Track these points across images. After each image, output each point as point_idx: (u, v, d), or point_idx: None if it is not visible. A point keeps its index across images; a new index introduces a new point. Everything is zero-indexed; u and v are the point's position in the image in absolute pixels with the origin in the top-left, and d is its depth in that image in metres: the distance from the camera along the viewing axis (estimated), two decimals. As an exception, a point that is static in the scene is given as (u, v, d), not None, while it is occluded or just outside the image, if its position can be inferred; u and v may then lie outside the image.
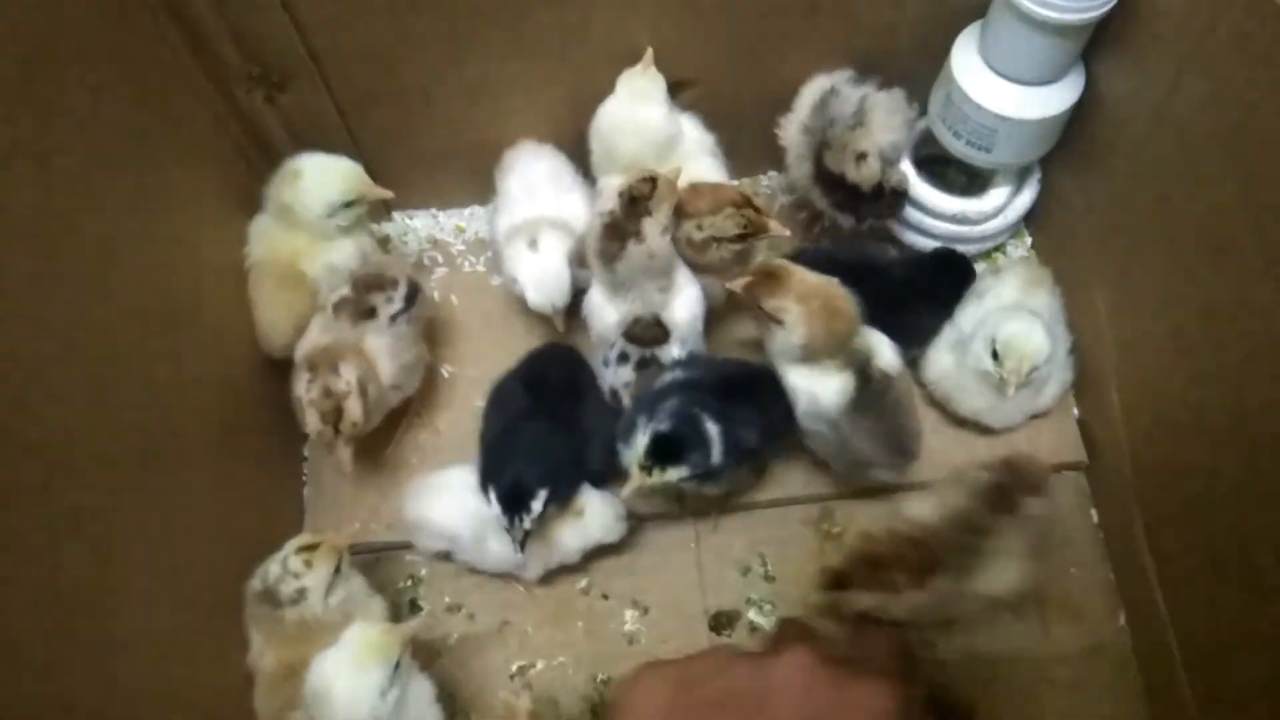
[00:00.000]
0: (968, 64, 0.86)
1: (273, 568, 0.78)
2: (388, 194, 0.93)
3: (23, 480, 0.57)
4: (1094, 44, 0.83)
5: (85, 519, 0.62)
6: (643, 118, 0.91)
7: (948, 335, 0.92)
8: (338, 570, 0.79)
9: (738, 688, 0.57)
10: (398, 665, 0.74)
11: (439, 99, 0.94)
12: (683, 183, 0.84)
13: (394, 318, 0.87)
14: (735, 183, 0.92)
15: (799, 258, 0.94)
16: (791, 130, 0.91)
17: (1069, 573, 0.93)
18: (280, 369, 0.92)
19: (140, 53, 0.76)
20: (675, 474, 0.79)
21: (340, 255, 0.92)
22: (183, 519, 0.75)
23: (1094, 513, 0.95)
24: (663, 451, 0.79)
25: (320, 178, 0.89)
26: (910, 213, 0.96)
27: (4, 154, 0.58)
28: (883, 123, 0.88)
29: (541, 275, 0.89)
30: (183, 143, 0.82)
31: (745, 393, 0.84)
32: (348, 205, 0.90)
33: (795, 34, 0.90)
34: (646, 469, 0.79)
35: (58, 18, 0.65)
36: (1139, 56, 0.80)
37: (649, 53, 0.91)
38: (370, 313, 0.86)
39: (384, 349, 0.87)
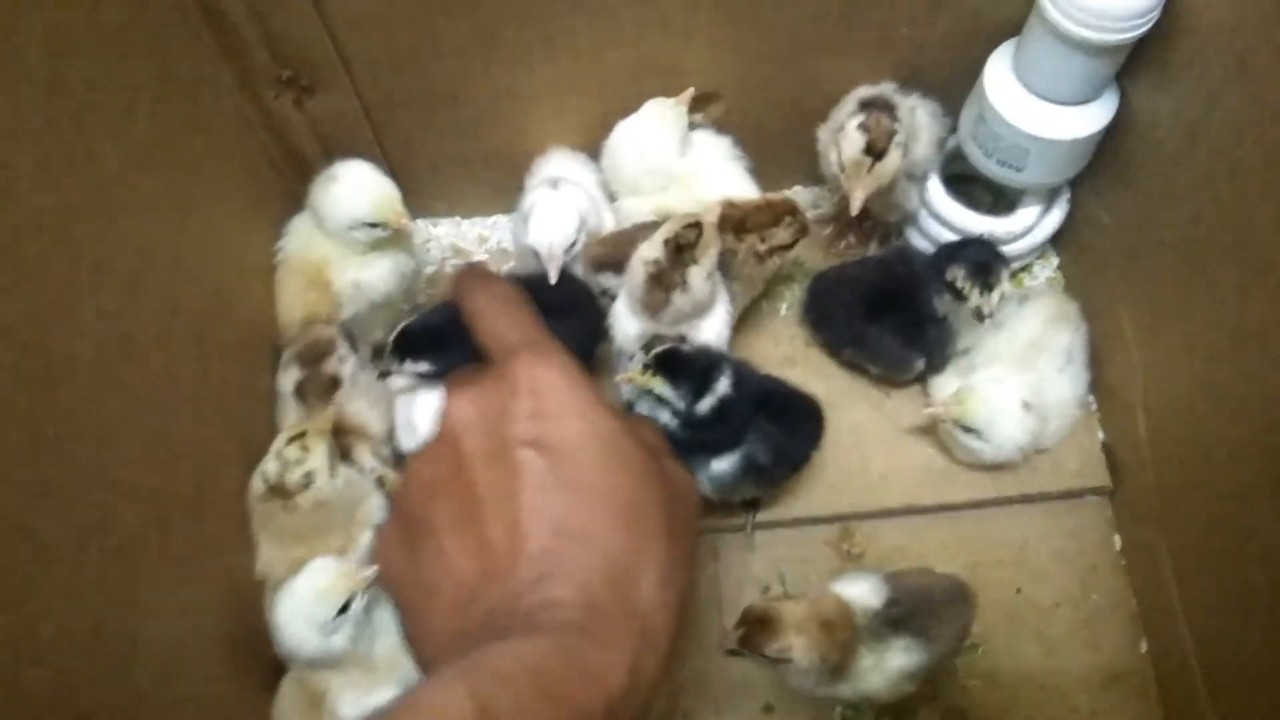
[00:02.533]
0: (1001, 82, 0.85)
1: (270, 465, 0.79)
2: (411, 228, 0.91)
3: (53, 481, 0.56)
4: (1129, 63, 0.82)
5: (113, 523, 0.61)
6: (654, 144, 0.92)
7: (959, 361, 0.92)
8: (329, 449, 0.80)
9: (436, 469, 0.56)
10: (346, 607, 0.75)
11: (466, 105, 0.93)
12: (716, 193, 0.85)
13: (354, 374, 0.87)
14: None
15: (824, 278, 0.95)
16: (829, 136, 0.90)
17: (1090, 599, 0.92)
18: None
19: (173, 54, 0.75)
20: (662, 388, 0.79)
21: (371, 274, 0.90)
22: (207, 525, 0.74)
23: (1117, 539, 0.94)
24: (666, 360, 0.79)
25: (351, 190, 0.87)
26: (937, 231, 0.95)
27: (41, 155, 0.57)
28: (926, 139, 0.88)
29: (551, 213, 0.87)
30: (212, 145, 0.81)
31: (776, 412, 0.84)
32: (370, 225, 0.88)
33: (827, 48, 0.89)
34: (646, 367, 0.79)
35: (92, 15, 0.65)
36: (1175, 77, 0.79)
37: (689, 92, 0.92)
38: (335, 382, 0.86)
39: (368, 407, 0.87)
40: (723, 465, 0.83)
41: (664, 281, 0.80)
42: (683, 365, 0.79)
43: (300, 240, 0.91)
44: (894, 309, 0.91)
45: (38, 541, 0.54)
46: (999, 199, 1.00)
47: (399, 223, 0.88)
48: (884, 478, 0.94)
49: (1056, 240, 1.00)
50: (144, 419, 0.67)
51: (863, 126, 0.85)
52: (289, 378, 0.86)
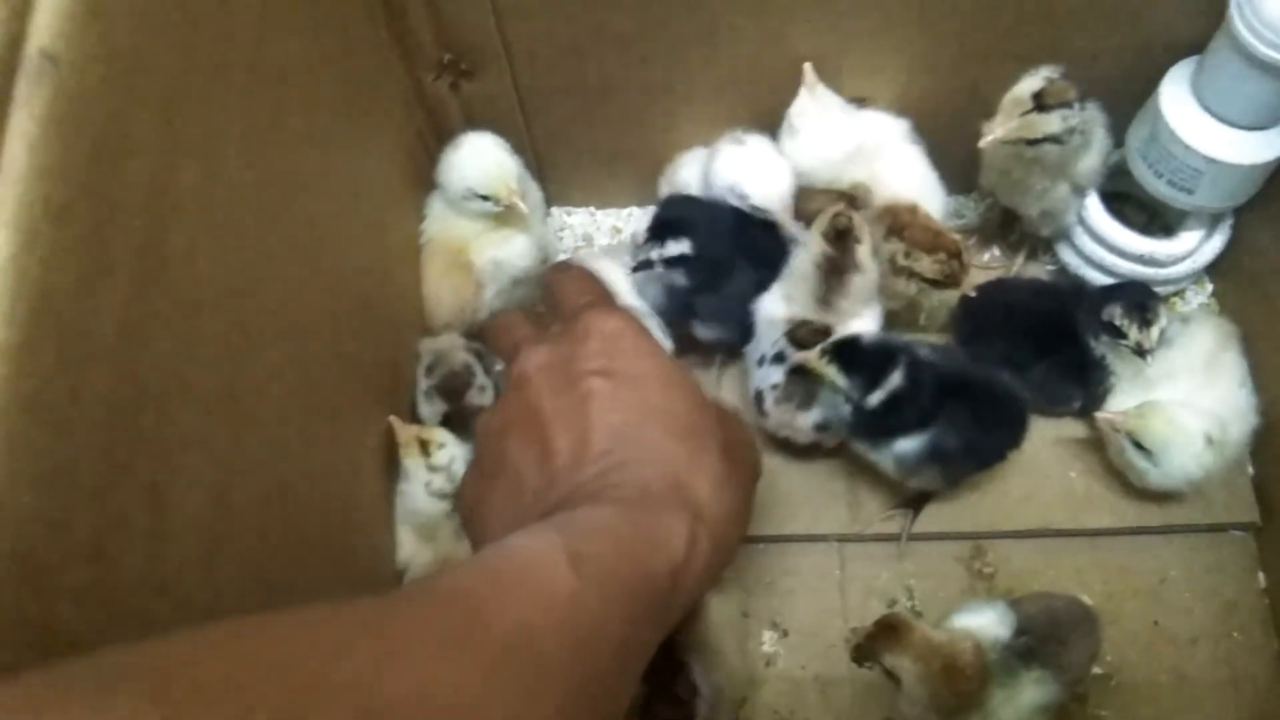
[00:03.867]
0: (1179, 101, 0.83)
1: (436, 481, 0.79)
2: (523, 210, 0.89)
3: (245, 449, 0.57)
4: (1313, 90, 0.79)
5: (285, 494, 0.62)
6: (825, 151, 0.89)
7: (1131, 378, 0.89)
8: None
9: (507, 413, 0.63)
10: None
11: (619, 98, 0.93)
12: (896, 178, 0.85)
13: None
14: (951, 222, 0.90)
15: (981, 295, 0.93)
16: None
17: (1231, 637, 0.89)
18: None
19: (352, 33, 0.76)
20: (836, 377, 0.79)
21: (510, 250, 0.91)
22: (356, 512, 0.75)
23: (1261, 577, 0.91)
24: (843, 350, 0.79)
25: (469, 158, 0.87)
26: (1093, 249, 0.93)
27: (247, 126, 0.58)
28: (1097, 149, 0.85)
29: (763, 165, 0.84)
30: (378, 125, 0.82)
31: (974, 402, 0.82)
32: (482, 198, 0.87)
33: (992, 57, 0.87)
34: (824, 353, 0.79)
35: (292, -3, 0.65)
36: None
37: (807, 71, 0.88)
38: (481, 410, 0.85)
39: None
40: (908, 445, 0.82)
41: (838, 268, 0.80)
42: (859, 357, 0.79)
43: (439, 222, 0.92)
44: (1059, 342, 0.88)
45: (227, 505, 0.55)
46: (1153, 220, 0.97)
47: (509, 199, 0.87)
48: (1022, 498, 0.92)
49: (1211, 267, 0.97)
50: (313, 396, 0.67)
51: (1049, 79, 0.81)
52: (434, 409, 0.85)
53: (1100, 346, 0.88)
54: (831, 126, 0.88)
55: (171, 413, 0.49)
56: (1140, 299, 0.86)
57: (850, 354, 0.79)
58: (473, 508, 0.64)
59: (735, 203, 0.87)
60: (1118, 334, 0.85)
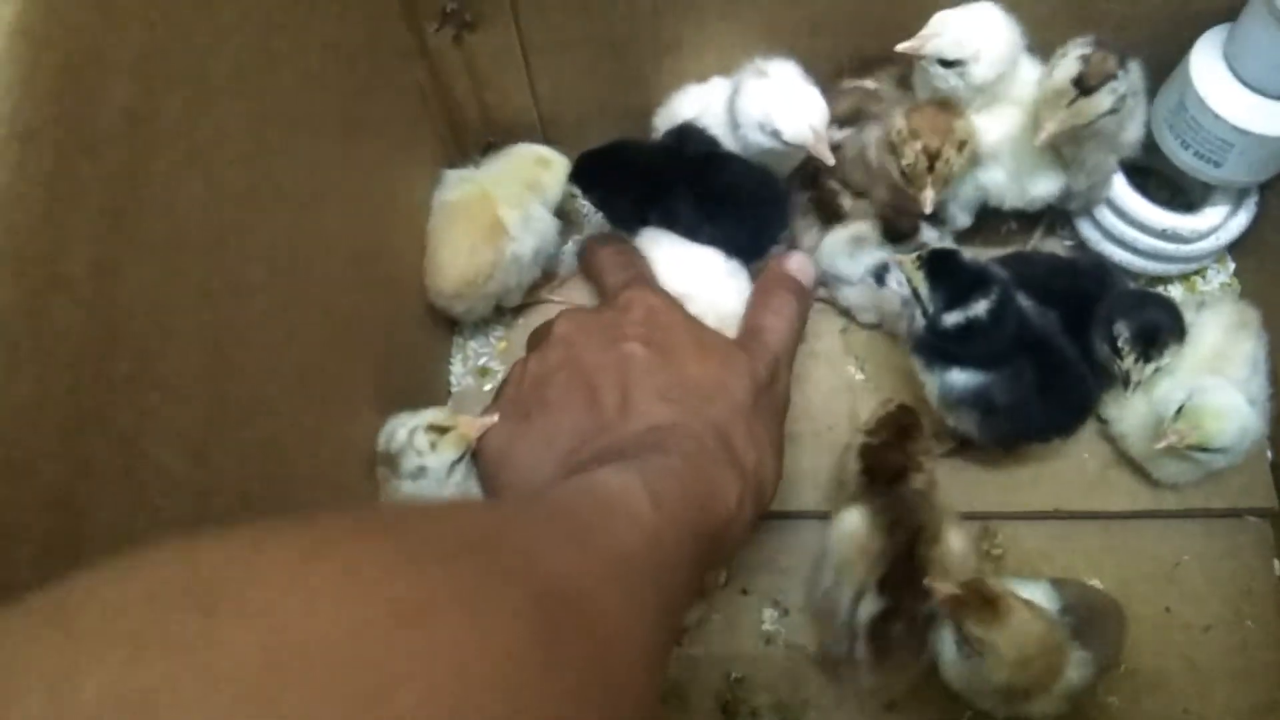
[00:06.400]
0: (1210, 69, 0.80)
1: (400, 433, 0.75)
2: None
3: (230, 402, 0.54)
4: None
5: (272, 448, 0.59)
6: (1012, 51, 0.81)
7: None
8: (461, 458, 0.74)
9: (546, 363, 0.69)
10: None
11: (629, 55, 0.90)
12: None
13: None
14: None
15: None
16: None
17: (1244, 625, 0.87)
18: (438, 318, 0.91)
19: (349, -26, 0.73)
20: (920, 284, 0.75)
21: (538, 213, 0.88)
22: (340, 472, 0.72)
23: (1277, 564, 0.88)
24: (936, 260, 0.76)
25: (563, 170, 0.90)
26: (1114, 224, 0.90)
27: (237, 64, 0.55)
28: (1139, 119, 0.82)
29: (786, 96, 0.78)
30: (375, 74, 0.78)
31: (1047, 369, 0.79)
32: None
33: (1016, 21, 0.84)
34: (919, 259, 0.76)
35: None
36: None
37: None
38: None
39: None
40: (958, 378, 0.78)
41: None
42: (951, 270, 0.75)
43: (460, 187, 0.88)
44: (1074, 324, 0.83)
45: (207, 462, 0.52)
46: (1174, 197, 0.94)
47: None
48: (1033, 479, 0.89)
49: (1234, 245, 0.93)
50: (302, 352, 0.64)
51: (1084, 58, 0.75)
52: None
53: (1100, 351, 0.84)
54: (1003, 22, 0.80)
55: (148, 358, 0.47)
56: (1155, 327, 0.81)
57: (942, 265, 0.75)
58: (502, 451, 0.68)
59: (766, 141, 0.81)
60: (1115, 352, 0.81)
